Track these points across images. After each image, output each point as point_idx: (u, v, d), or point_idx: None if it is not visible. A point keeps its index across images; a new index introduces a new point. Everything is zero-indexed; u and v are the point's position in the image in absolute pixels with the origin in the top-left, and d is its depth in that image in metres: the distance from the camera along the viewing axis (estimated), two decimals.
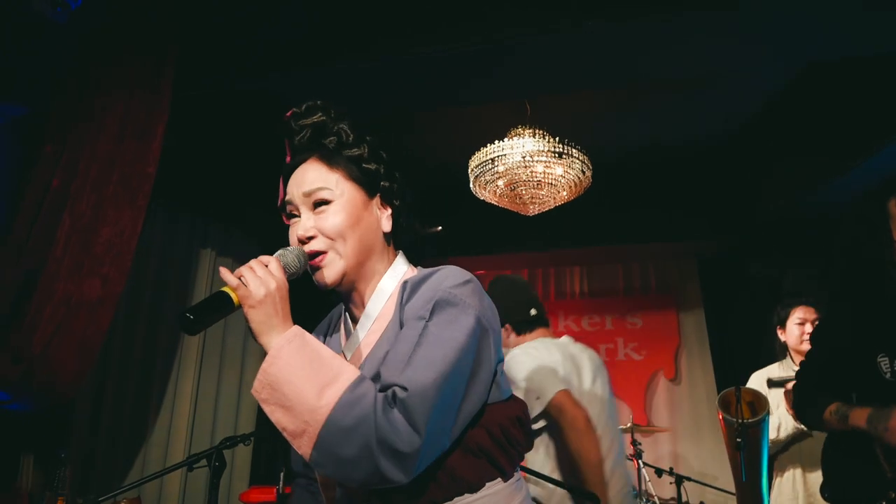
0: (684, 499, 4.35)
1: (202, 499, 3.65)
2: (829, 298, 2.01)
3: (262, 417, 4.50)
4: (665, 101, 4.11)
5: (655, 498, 3.90)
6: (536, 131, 3.82)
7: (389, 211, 1.18)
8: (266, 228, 4.71)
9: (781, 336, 3.09)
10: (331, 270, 1.11)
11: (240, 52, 3.24)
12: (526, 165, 3.72)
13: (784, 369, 3.02)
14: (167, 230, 4.16)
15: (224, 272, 1.03)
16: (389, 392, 0.94)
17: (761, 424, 2.22)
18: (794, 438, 2.86)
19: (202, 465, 2.16)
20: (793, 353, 3.07)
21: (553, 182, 3.89)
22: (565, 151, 3.74)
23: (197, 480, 3.54)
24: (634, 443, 4.07)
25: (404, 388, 0.93)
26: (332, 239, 1.10)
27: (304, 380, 0.94)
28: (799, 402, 1.97)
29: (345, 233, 1.10)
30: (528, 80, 3.22)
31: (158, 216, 4.08)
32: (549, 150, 3.72)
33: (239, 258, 4.69)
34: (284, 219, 1.16)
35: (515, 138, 3.79)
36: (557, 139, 3.78)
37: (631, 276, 5.50)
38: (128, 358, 3.83)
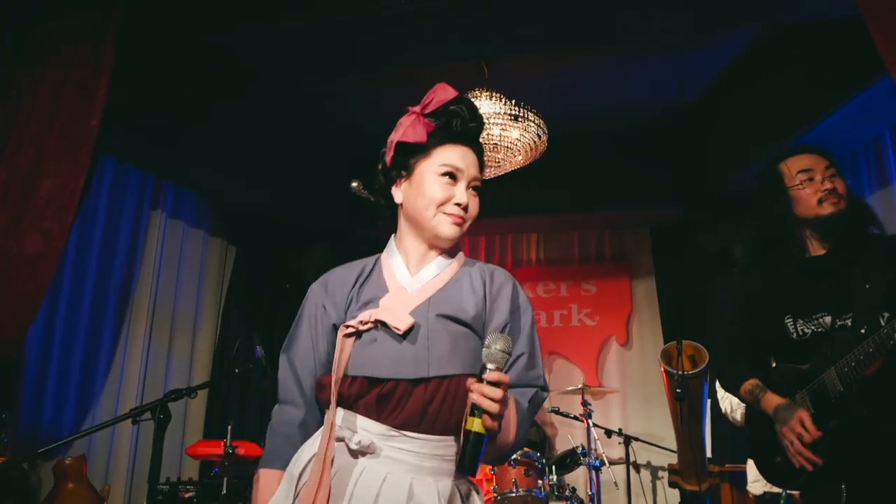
0: (632, 458, 4.50)
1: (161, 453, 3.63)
2: (741, 264, 2.01)
3: (214, 375, 4.48)
4: (623, 68, 4.14)
5: (604, 457, 4.01)
6: (493, 94, 3.81)
7: None
8: (221, 191, 4.63)
9: None
10: (458, 233, 1.40)
11: (193, 6, 3.15)
12: (482, 117, 3.70)
13: None
14: (116, 189, 4.06)
15: (495, 407, 1.19)
16: (540, 392, 1.38)
17: (700, 376, 2.29)
18: None
19: (147, 419, 2.13)
20: None
21: (509, 146, 3.90)
22: (521, 115, 3.74)
23: (147, 436, 3.50)
24: (585, 404, 4.16)
25: (545, 389, 1.39)
26: (471, 216, 1.41)
27: (509, 428, 1.29)
28: (719, 373, 2.05)
29: (475, 215, 1.43)
30: (483, 39, 3.21)
31: (107, 174, 3.97)
32: (505, 113, 3.72)
33: (191, 222, 4.62)
34: (426, 170, 1.39)
35: (472, 100, 3.77)
36: (514, 102, 3.78)
37: (586, 244, 5.57)
38: (74, 316, 3.75)
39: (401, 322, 1.29)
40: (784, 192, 1.86)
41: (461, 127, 1.40)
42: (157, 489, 2.46)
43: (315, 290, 1.44)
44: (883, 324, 1.65)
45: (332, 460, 1.25)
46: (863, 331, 1.71)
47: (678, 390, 2.19)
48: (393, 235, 1.48)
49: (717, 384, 2.71)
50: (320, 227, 5.19)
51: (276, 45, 3.63)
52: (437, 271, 1.39)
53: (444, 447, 1.27)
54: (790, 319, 1.83)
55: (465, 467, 1.17)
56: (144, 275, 4.20)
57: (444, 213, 1.36)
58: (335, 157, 5.07)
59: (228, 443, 2.34)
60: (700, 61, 4.06)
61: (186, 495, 2.52)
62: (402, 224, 1.44)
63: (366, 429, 1.26)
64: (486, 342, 1.22)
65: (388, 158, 1.44)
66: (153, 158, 4.13)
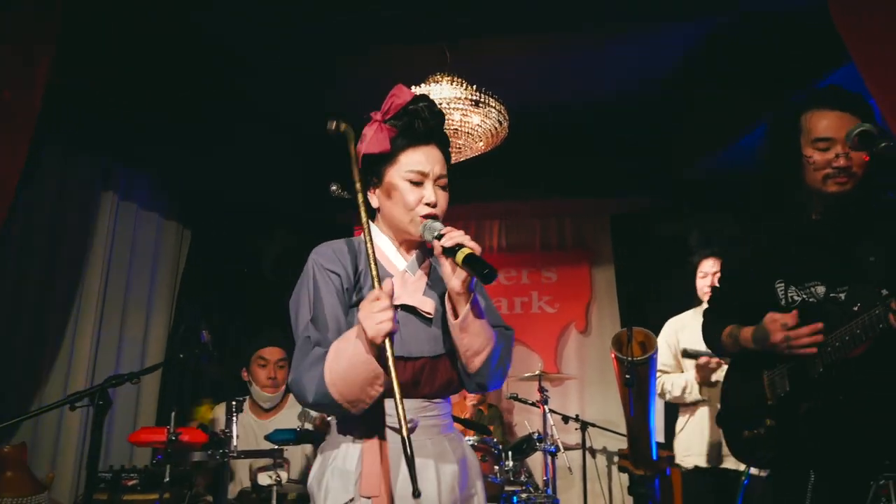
0: (588, 444, 4.56)
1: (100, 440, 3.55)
2: (740, 229, 1.93)
3: (173, 359, 4.39)
4: (583, 57, 4.14)
5: (559, 443, 4.04)
6: (455, 79, 3.78)
7: None
8: (176, 173, 4.51)
9: None
10: None
11: None
12: (443, 112, 3.67)
13: (697, 316, 3.14)
14: (66, 169, 3.91)
15: (463, 237, 1.38)
16: (501, 331, 1.54)
17: (649, 362, 2.31)
18: (700, 401, 2.97)
19: (85, 405, 2.07)
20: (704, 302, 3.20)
21: (470, 131, 3.88)
22: (482, 100, 3.72)
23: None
24: (542, 390, 4.19)
25: (508, 330, 1.58)
26: (440, 211, 1.50)
27: (484, 325, 1.44)
28: (704, 329, 1.95)
29: (444, 209, 1.52)
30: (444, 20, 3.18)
31: (54, 154, 3.83)
32: (466, 98, 3.69)
33: (145, 205, 4.49)
34: (395, 177, 1.49)
35: (433, 84, 3.73)
36: (475, 87, 3.75)
37: (548, 232, 5.60)
38: (20, 301, 3.62)
39: (427, 306, 1.48)
40: (796, 153, 1.67)
41: (423, 126, 1.49)
42: (99, 477, 2.40)
43: (324, 258, 1.49)
44: (877, 303, 1.49)
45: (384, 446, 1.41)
46: (856, 308, 1.56)
47: (627, 376, 2.20)
48: (374, 224, 1.58)
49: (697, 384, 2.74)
50: (278, 212, 5.11)
51: (234, 25, 3.56)
52: (425, 256, 1.56)
53: (447, 406, 1.53)
54: (781, 284, 1.71)
55: (490, 271, 1.31)
56: (95, 257, 4.07)
57: (416, 216, 1.47)
58: (293, 141, 4.99)
59: (172, 429, 2.29)
60: (664, 50, 4.07)
61: (129, 483, 2.46)
62: (382, 222, 1.56)
63: (408, 409, 1.35)
64: (424, 227, 1.44)
65: (356, 170, 1.50)
66: (105, 139, 3.99)
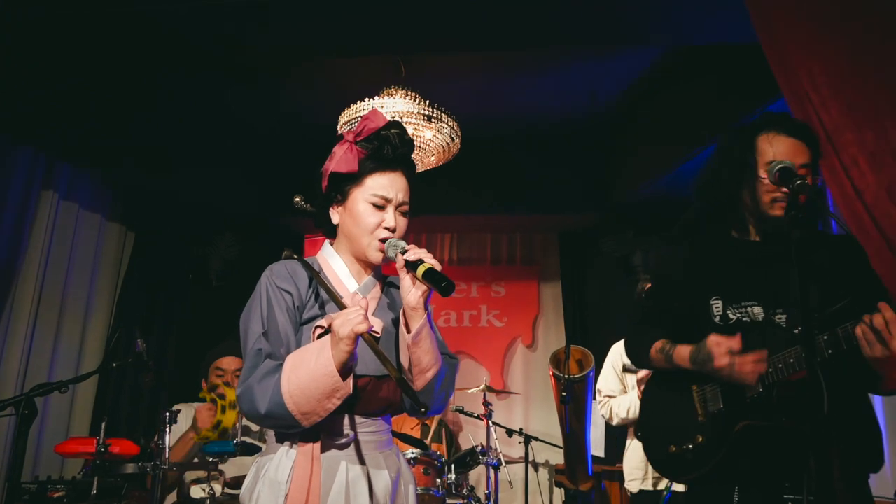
0: (531, 458, 4.61)
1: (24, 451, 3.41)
2: (678, 235, 1.88)
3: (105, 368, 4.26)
4: (539, 75, 4.23)
5: (500, 455, 4.08)
6: (408, 93, 3.81)
7: None
8: (120, 173, 4.41)
9: None
10: (383, 258, 1.55)
11: None
12: (413, 141, 3.69)
13: None
14: (3, 164, 3.77)
15: (426, 254, 1.43)
16: (446, 358, 1.57)
17: (586, 380, 2.36)
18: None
19: (9, 414, 2.00)
20: None
21: (422, 146, 3.91)
22: (435, 115, 3.75)
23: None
24: (486, 403, 4.23)
25: (453, 358, 1.62)
26: (398, 235, 1.54)
27: (434, 343, 1.49)
28: (629, 341, 1.91)
29: (402, 233, 1.57)
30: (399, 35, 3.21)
31: None
32: (419, 113, 3.72)
33: (87, 204, 4.37)
34: (358, 198, 1.53)
35: (387, 97, 3.76)
36: (428, 102, 3.79)
37: (498, 246, 5.67)
38: None
39: (377, 325, 1.48)
40: (749, 170, 1.68)
41: (392, 153, 1.53)
42: (23, 488, 2.32)
43: (278, 276, 1.52)
44: (816, 328, 1.48)
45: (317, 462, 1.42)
46: (796, 332, 1.58)
47: (563, 393, 2.24)
48: (328, 242, 1.63)
49: (597, 393, 2.73)
50: (227, 216, 5.03)
51: (185, 20, 3.50)
52: (376, 281, 1.59)
53: (386, 423, 1.56)
54: (717, 301, 1.71)
55: (448, 284, 1.37)
56: (31, 257, 3.94)
57: (375, 240, 1.51)
58: (243, 144, 4.94)
59: (102, 440, 2.22)
60: (614, 72, 4.20)
61: (55, 495, 2.38)
62: (341, 240, 1.59)
63: (345, 423, 1.45)
64: (389, 244, 1.49)
65: (323, 185, 1.56)
66: (44, 135, 3.87)
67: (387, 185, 1.52)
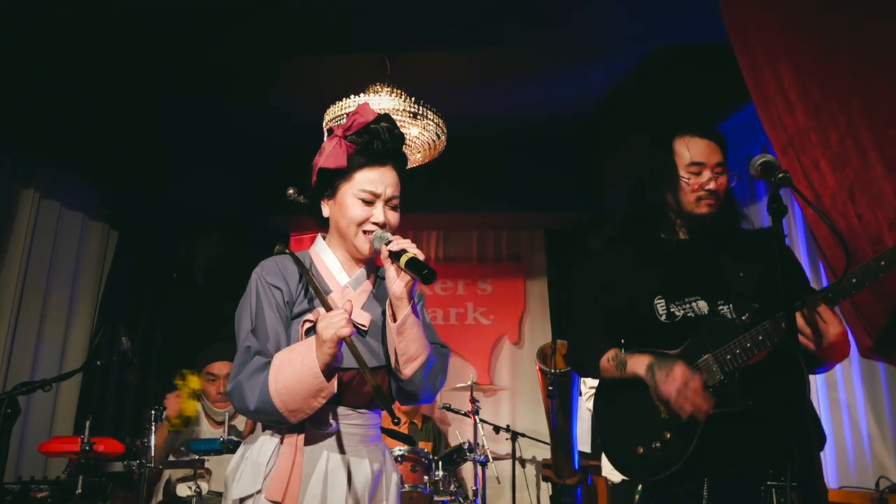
0: (518, 454, 4.62)
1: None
2: (602, 244, 1.89)
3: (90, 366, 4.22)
4: (526, 74, 4.24)
5: (488, 452, 4.09)
6: (394, 90, 3.80)
7: None
8: (102, 171, 4.36)
9: None
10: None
11: None
12: (403, 135, 3.69)
13: None
14: None
15: (409, 244, 1.45)
16: (437, 348, 1.59)
17: (572, 375, 2.37)
18: None
19: None
20: None
21: (409, 143, 3.90)
22: (420, 113, 3.75)
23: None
24: (473, 400, 4.24)
25: (444, 347, 1.65)
26: (390, 229, 1.55)
27: (421, 332, 1.49)
28: (575, 350, 1.91)
29: (394, 227, 1.57)
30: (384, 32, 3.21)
31: None
32: (404, 110, 3.72)
33: (69, 203, 4.32)
34: (347, 193, 1.54)
35: (372, 94, 3.75)
36: (414, 100, 3.79)
37: (485, 244, 5.68)
38: None
39: (362, 319, 1.52)
40: (672, 172, 1.77)
41: (381, 147, 1.54)
42: (6, 488, 2.29)
43: (268, 273, 1.53)
44: (754, 314, 1.60)
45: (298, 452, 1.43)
46: (745, 318, 1.66)
47: (550, 388, 2.25)
48: (322, 236, 1.64)
49: (583, 386, 2.73)
50: (213, 215, 5.00)
51: (170, 22, 3.48)
52: (367, 274, 1.60)
53: (374, 417, 1.56)
54: (661, 300, 1.75)
55: (429, 272, 1.38)
56: (12, 256, 3.88)
57: (363, 232, 1.52)
58: (229, 143, 4.91)
59: (86, 439, 2.20)
60: (599, 72, 4.22)
61: (39, 495, 2.35)
62: (332, 234, 1.61)
63: (328, 413, 1.47)
64: (375, 236, 1.50)
65: (313, 180, 1.58)
66: (23, 132, 3.82)
67: (375, 180, 1.53)
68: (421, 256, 1.43)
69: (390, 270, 1.45)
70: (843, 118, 2.19)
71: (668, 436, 1.68)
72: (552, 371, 2.28)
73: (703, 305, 1.72)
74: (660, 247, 1.82)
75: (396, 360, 1.48)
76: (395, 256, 1.43)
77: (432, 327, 1.65)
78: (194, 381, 2.47)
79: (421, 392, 1.52)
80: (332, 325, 1.34)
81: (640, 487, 2.41)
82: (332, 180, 1.55)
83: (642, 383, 1.73)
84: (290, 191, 1.64)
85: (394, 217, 1.56)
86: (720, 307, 1.72)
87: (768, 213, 1.47)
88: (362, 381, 1.50)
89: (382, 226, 1.53)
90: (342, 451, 1.48)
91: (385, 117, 1.57)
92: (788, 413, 1.63)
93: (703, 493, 1.61)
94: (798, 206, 3.08)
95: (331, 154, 1.53)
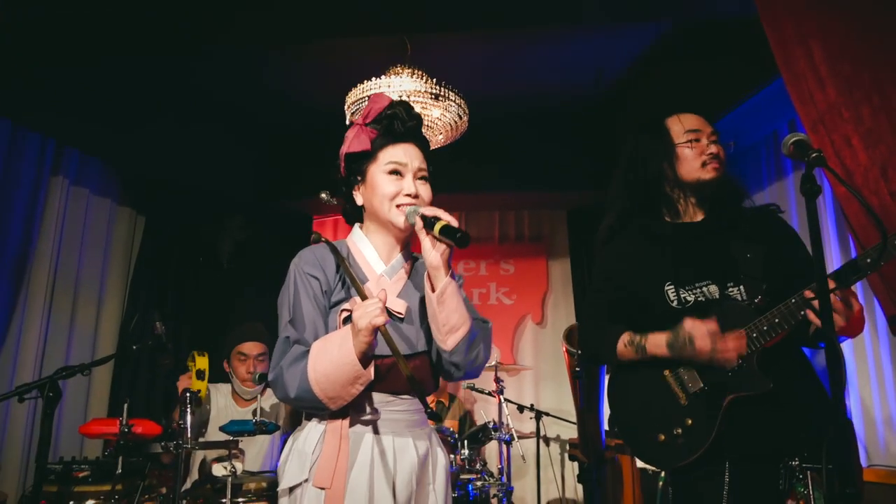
0: (543, 432, 4.66)
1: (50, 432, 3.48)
2: (604, 236, 1.90)
3: (118, 351, 4.31)
4: (544, 52, 4.20)
5: (514, 431, 4.13)
6: (415, 71, 3.79)
7: None
8: (128, 158, 4.42)
9: None
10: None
11: None
12: (420, 115, 3.68)
13: None
14: (12, 152, 3.79)
15: (442, 212, 1.47)
16: (479, 323, 1.58)
17: None
18: None
19: (35, 396, 2.04)
20: None
21: (430, 124, 3.89)
22: (442, 94, 3.74)
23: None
24: (498, 380, 4.27)
25: (486, 323, 1.63)
26: (424, 202, 1.58)
27: (461, 303, 1.51)
28: (589, 340, 1.91)
29: (428, 203, 1.59)
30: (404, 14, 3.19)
31: (1, 136, 3.70)
32: (426, 91, 3.70)
33: (97, 190, 4.39)
34: (376, 172, 1.58)
35: (393, 76, 3.74)
36: (435, 81, 3.77)
37: (506, 224, 5.67)
38: None
39: (398, 306, 1.54)
40: (670, 148, 1.79)
41: (401, 127, 1.60)
42: (49, 469, 2.37)
43: (306, 263, 1.57)
44: (793, 295, 1.58)
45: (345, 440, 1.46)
46: (757, 300, 1.66)
47: (577, 368, 2.26)
48: (358, 225, 1.67)
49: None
50: (233, 199, 5.05)
51: (184, 6, 3.50)
52: (404, 261, 1.62)
53: (418, 402, 1.54)
54: (671, 286, 1.74)
55: (462, 235, 1.41)
56: (44, 243, 3.97)
57: (396, 206, 1.55)
58: (249, 128, 4.94)
59: (125, 421, 2.27)
60: (619, 48, 4.16)
61: (80, 475, 2.43)
62: (367, 220, 1.64)
63: (370, 400, 1.49)
64: (409, 211, 1.52)
65: (341, 170, 1.64)
66: (53, 121, 3.89)
67: (400, 154, 1.57)
68: (454, 223, 1.44)
69: (426, 241, 1.47)
70: (875, 94, 2.15)
71: (690, 422, 1.68)
72: (578, 352, 2.29)
73: (714, 289, 1.72)
74: (665, 233, 1.81)
75: (438, 332, 1.49)
76: (429, 226, 1.45)
77: (471, 306, 1.65)
78: (201, 362, 2.54)
79: (465, 364, 1.51)
80: (366, 314, 1.37)
81: (662, 474, 2.41)
82: (359, 165, 1.60)
83: (658, 371, 1.74)
84: (323, 194, 1.68)
85: (425, 190, 1.59)
86: (731, 290, 1.71)
87: (802, 193, 1.45)
88: (399, 368, 1.50)
89: (415, 197, 1.55)
90: (387, 437, 1.50)
91: (401, 102, 1.63)
92: (811, 393, 1.63)
93: (725, 475, 1.61)
94: (827, 182, 3.03)
95: (354, 140, 1.59)
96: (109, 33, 3.51)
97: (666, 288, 1.75)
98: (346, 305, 1.51)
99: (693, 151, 1.78)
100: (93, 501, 2.41)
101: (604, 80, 4.46)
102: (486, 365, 4.37)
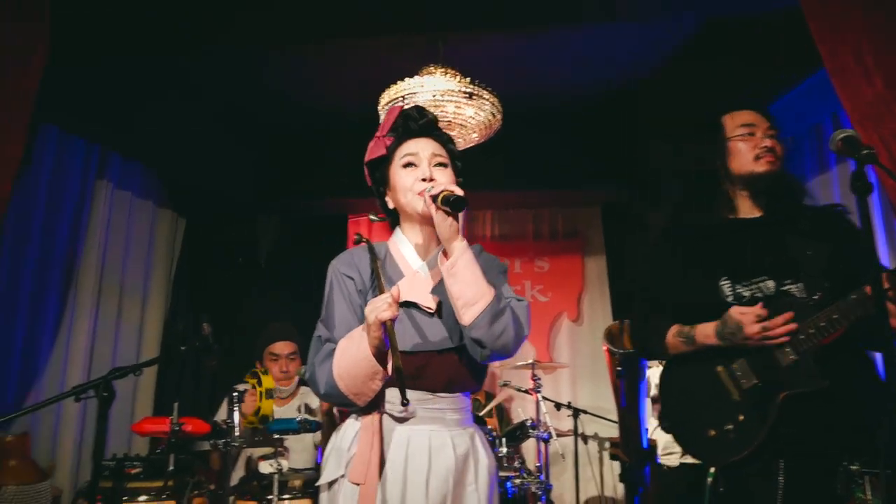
0: (580, 430, 4.64)
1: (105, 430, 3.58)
2: (658, 237, 1.91)
3: (163, 350, 4.42)
4: (574, 50, 4.17)
5: (552, 429, 4.12)
6: (448, 70, 3.80)
7: None
8: (167, 162, 4.52)
9: None
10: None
11: None
12: (436, 105, 3.70)
13: None
14: (60, 158, 3.91)
15: (448, 184, 1.49)
16: (512, 300, 1.54)
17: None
18: None
19: (90, 396, 2.10)
20: None
21: (463, 123, 3.90)
22: (475, 92, 3.74)
23: (94, 412, 3.43)
24: (535, 378, 4.26)
25: (520, 300, 1.57)
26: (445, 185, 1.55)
27: (479, 276, 1.46)
28: (639, 333, 1.91)
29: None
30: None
31: (49, 142, 3.83)
32: (459, 90, 3.71)
33: (139, 193, 4.50)
34: (394, 170, 1.63)
35: (426, 76, 3.75)
36: (468, 80, 3.77)
37: (540, 221, 5.64)
38: (15, 290, 3.63)
39: (428, 301, 1.54)
40: (723, 143, 1.79)
41: (415, 125, 1.64)
42: (103, 465, 2.44)
43: (342, 263, 1.62)
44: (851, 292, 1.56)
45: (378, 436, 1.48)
46: (816, 297, 1.64)
47: (619, 368, 2.25)
48: (398, 227, 1.70)
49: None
50: (269, 200, 5.13)
51: (221, 14, 3.56)
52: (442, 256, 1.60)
53: (459, 401, 1.56)
54: (727, 282, 1.73)
55: (457, 199, 1.44)
56: (90, 247, 4.09)
57: (416, 194, 1.56)
58: (283, 131, 5.00)
59: (175, 419, 2.34)
60: (652, 43, 4.12)
61: (133, 471, 2.51)
62: (402, 220, 1.68)
63: (408, 399, 1.45)
64: (425, 193, 1.51)
65: (367, 180, 1.70)
66: (97, 127, 4.00)
67: (412, 146, 1.62)
68: (457, 191, 1.45)
69: (436, 217, 1.47)
70: None
71: (742, 418, 1.67)
72: (620, 351, 2.28)
73: (770, 285, 1.70)
74: (722, 228, 1.79)
75: (455, 306, 1.47)
76: (435, 199, 1.47)
77: (509, 288, 1.65)
78: (269, 381, 2.59)
79: (489, 340, 1.45)
80: (374, 309, 1.40)
81: (711, 470, 2.40)
82: (381, 172, 1.66)
83: (710, 366, 1.72)
84: (371, 216, 1.76)
85: (441, 174, 1.60)
86: (788, 286, 1.69)
87: (853, 191, 1.42)
88: (437, 362, 1.52)
89: (431, 180, 1.58)
90: (423, 435, 1.50)
91: (413, 106, 1.69)
92: (870, 393, 1.60)
93: (779, 473, 1.59)
94: (874, 175, 2.95)
95: (373, 148, 1.66)
96: (146, 41, 3.59)
97: (721, 283, 1.74)
98: None
99: (746, 145, 1.77)
100: (145, 497, 2.48)
101: (637, 74, 4.41)
102: (523, 363, 4.42)
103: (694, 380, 1.77)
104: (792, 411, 1.61)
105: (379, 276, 1.52)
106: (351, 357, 1.45)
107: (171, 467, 2.38)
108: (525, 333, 1.53)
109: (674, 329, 1.78)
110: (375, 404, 1.50)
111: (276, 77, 4.38)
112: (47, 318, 3.79)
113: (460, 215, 1.49)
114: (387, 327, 1.40)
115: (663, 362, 1.89)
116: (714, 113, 1.87)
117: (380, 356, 1.43)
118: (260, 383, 2.59)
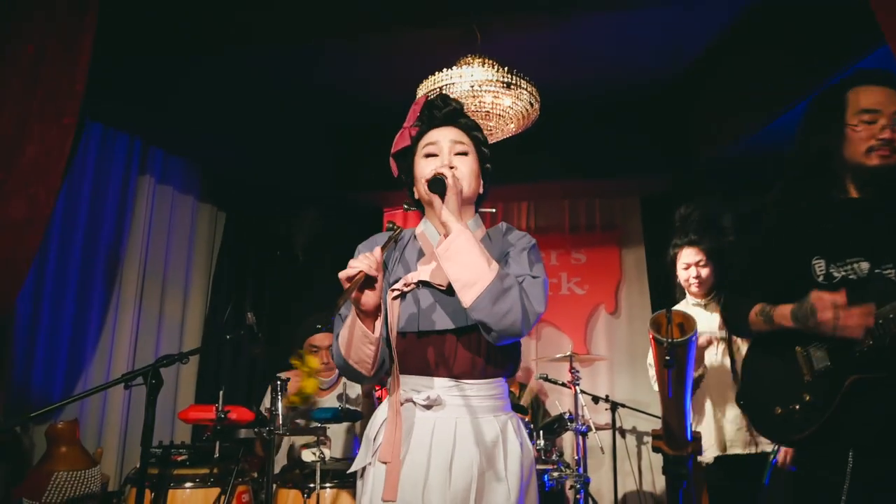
0: (618, 424, 4.58)
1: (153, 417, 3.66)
2: (765, 212, 1.82)
3: (205, 340, 4.49)
4: (614, 38, 4.10)
5: (591, 423, 4.08)
6: (486, 60, 3.77)
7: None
8: (209, 156, 4.58)
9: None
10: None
11: None
12: (474, 95, 3.67)
13: (688, 308, 3.08)
14: (103, 154, 4.00)
15: (445, 170, 1.52)
16: (525, 278, 1.48)
17: (688, 344, 2.32)
18: (698, 379, 2.91)
19: (139, 384, 2.14)
20: (688, 294, 3.17)
21: (501, 113, 3.86)
22: (514, 82, 3.70)
23: (139, 400, 3.52)
24: (573, 371, 4.22)
25: (535, 277, 1.50)
26: (463, 175, 1.58)
27: (477, 259, 1.41)
28: (728, 309, 1.88)
29: (468, 176, 1.60)
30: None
31: (93, 138, 3.92)
32: (497, 80, 3.68)
33: (180, 188, 4.58)
34: (417, 160, 1.64)
35: (464, 66, 3.73)
36: (506, 69, 3.74)
37: (577, 212, 5.57)
38: (63, 283, 3.74)
39: (441, 279, 1.51)
40: (840, 126, 1.67)
41: (438, 113, 1.64)
42: (150, 452, 2.49)
43: (364, 246, 1.63)
44: None
45: (402, 418, 1.49)
46: None
47: (667, 357, 2.21)
48: (424, 216, 1.71)
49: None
50: (307, 193, 5.17)
51: (261, 7, 3.59)
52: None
53: (488, 388, 1.52)
54: (819, 261, 1.67)
55: (433, 179, 1.49)
56: (133, 241, 4.18)
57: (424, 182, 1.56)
58: (321, 123, 5.03)
59: (220, 407, 2.36)
60: (693, 30, 4.02)
61: (179, 458, 2.55)
62: (426, 209, 1.68)
63: (429, 386, 1.50)
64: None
65: (394, 171, 1.71)
66: (140, 123, 4.07)
67: (434, 135, 1.62)
68: (443, 174, 1.49)
69: (436, 203, 1.50)
70: None
71: (808, 398, 1.64)
72: (668, 340, 2.24)
73: (864, 266, 1.62)
74: (825, 205, 1.72)
75: (455, 288, 1.43)
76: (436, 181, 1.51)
77: (526, 264, 1.54)
78: (313, 361, 2.62)
79: (492, 321, 1.39)
80: (347, 267, 1.42)
81: (770, 458, 2.36)
82: (407, 163, 1.67)
83: (791, 347, 1.69)
84: (405, 205, 1.78)
85: (461, 161, 1.59)
86: (886, 270, 1.61)
87: None
88: (456, 345, 1.51)
89: (451, 168, 1.56)
90: (448, 421, 1.48)
91: (439, 95, 1.68)
92: None
93: (848, 460, 1.55)
94: None
95: (398, 140, 1.67)
96: (189, 39, 3.64)
97: (814, 262, 1.68)
98: (396, 285, 1.56)
99: (862, 134, 1.65)
100: (191, 484, 2.52)
101: (677, 62, 4.32)
102: (560, 356, 4.37)
103: (772, 359, 1.75)
104: (860, 398, 1.56)
105: (386, 255, 1.56)
106: (347, 325, 1.50)
107: (217, 454, 2.41)
108: (538, 311, 1.45)
109: (757, 307, 1.75)
110: (397, 395, 1.53)
111: (328, 71, 4.40)
112: (93, 310, 3.89)
113: (488, 206, 1.58)
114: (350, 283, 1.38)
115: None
116: (839, 86, 1.72)
117: (364, 317, 1.46)
118: (301, 360, 2.62)
